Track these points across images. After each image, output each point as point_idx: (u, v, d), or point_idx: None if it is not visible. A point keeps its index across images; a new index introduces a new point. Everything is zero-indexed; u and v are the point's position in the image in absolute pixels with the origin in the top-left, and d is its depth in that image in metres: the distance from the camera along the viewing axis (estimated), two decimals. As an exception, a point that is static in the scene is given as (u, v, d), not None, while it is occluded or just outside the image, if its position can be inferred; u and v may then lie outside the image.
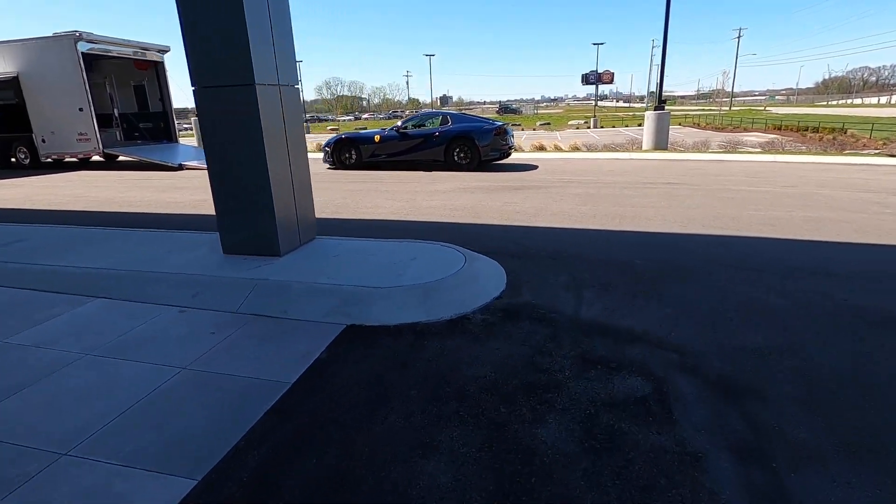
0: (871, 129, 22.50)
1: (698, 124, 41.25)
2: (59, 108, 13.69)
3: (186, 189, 9.71)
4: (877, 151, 15.19)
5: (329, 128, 52.94)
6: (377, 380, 2.60)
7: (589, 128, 39.60)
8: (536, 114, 76.20)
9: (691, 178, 9.40)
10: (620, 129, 36.84)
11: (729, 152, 14.46)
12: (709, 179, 9.26)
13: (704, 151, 14.73)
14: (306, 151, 4.53)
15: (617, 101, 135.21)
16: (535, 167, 11.80)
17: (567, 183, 9.11)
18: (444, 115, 11.73)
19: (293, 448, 2.10)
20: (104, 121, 15.29)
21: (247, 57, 3.71)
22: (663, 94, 16.07)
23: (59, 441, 2.15)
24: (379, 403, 2.39)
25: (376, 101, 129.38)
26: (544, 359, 2.77)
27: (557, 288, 3.84)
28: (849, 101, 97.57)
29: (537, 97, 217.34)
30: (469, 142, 11.02)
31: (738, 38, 78.34)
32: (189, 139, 20.53)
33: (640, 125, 38.79)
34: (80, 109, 13.46)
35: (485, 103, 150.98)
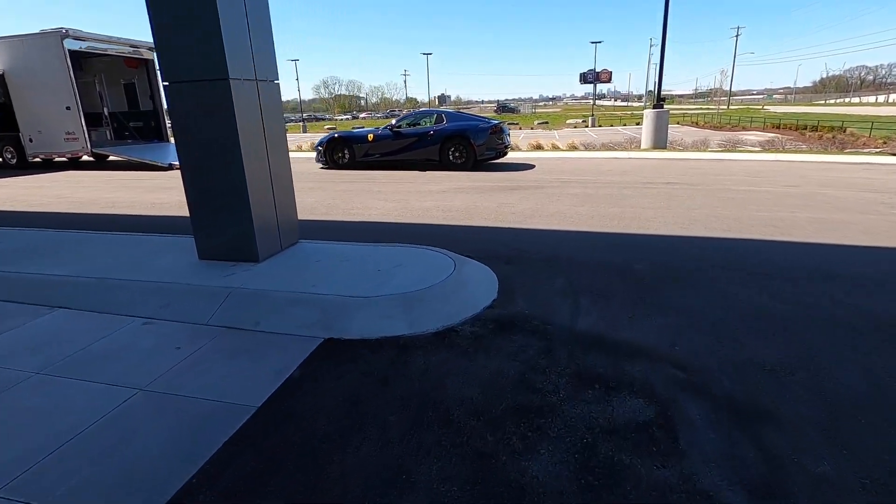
0: (871, 128, 22.35)
1: (696, 123, 41.08)
2: (46, 106, 13.41)
3: (174, 189, 9.45)
4: (878, 150, 15.01)
5: (326, 127, 52.66)
6: (353, 402, 2.36)
7: (587, 127, 39.40)
8: (535, 113, 75.99)
9: (691, 178, 9.18)
10: (619, 127, 36.65)
11: (728, 151, 14.25)
12: (709, 179, 9.04)
13: (704, 150, 14.52)
14: (287, 151, 4.29)
15: (615, 101, 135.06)
16: (532, 167, 11.57)
17: (564, 183, 8.88)
18: (439, 114, 11.47)
19: (252, 484, 1.86)
20: (94, 120, 15.01)
21: (220, 50, 3.46)
22: (661, 92, 15.84)
23: (-11, 477, 1.90)
24: (353, 430, 2.15)
25: (374, 100, 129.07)
26: (537, 377, 2.54)
27: (553, 295, 3.60)
28: (846, 99, 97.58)
29: (535, 96, 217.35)
30: (464, 141, 10.78)
31: (737, 37, 78.25)
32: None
33: (638, 124, 38.60)
34: (68, 108, 13.17)
35: (483, 102, 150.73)
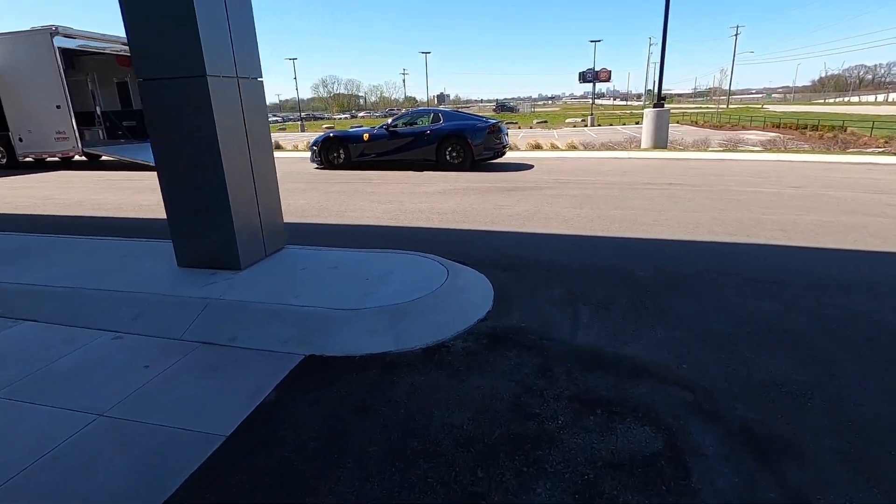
0: (872, 127, 22.16)
1: (696, 122, 40.90)
2: (36, 105, 13.16)
3: (163, 190, 9.21)
4: (880, 150, 14.82)
5: (324, 126, 52.41)
6: (331, 430, 2.15)
7: (586, 126, 39.19)
8: (534, 112, 75.75)
9: (693, 179, 8.98)
10: (618, 127, 36.43)
11: (730, 151, 14.05)
12: (711, 180, 8.84)
13: (705, 150, 14.32)
14: (272, 151, 4.07)
15: (614, 100, 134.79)
16: (531, 167, 11.36)
17: (563, 184, 8.68)
18: (436, 113, 11.26)
19: (212, 532, 1.65)
20: (86, 119, 14.77)
21: (196, 45, 3.25)
22: (661, 91, 15.62)
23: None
24: (330, 464, 1.95)
25: (373, 99, 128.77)
26: (534, 400, 2.33)
27: (551, 306, 3.39)
28: (845, 99, 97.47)
29: (534, 95, 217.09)
30: (461, 140, 10.56)
31: (736, 35, 78.03)
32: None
33: (637, 123, 38.39)
34: (58, 107, 12.92)
35: (482, 101, 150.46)
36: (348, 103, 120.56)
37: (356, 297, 3.19)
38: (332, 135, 11.81)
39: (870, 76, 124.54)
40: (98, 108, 15.46)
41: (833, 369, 2.56)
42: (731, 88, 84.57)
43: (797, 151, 13.52)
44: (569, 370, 2.59)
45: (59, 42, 12.56)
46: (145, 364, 2.69)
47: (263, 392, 2.42)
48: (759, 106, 75.27)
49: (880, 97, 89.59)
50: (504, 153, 11.38)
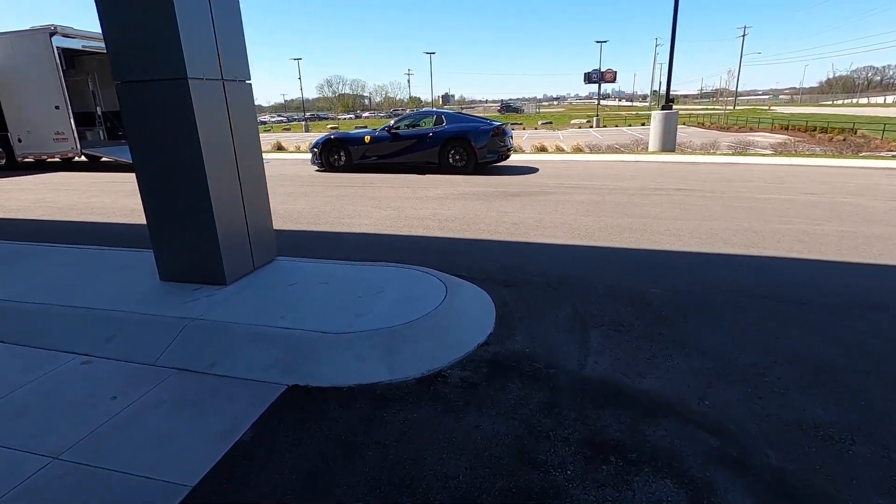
0: (883, 130, 21.74)
1: (703, 124, 40.47)
2: (34, 106, 13.01)
3: (160, 194, 9.01)
4: (894, 154, 14.45)
5: (329, 126, 52.34)
6: (312, 480, 1.90)
7: (591, 127, 38.87)
8: (539, 112, 75.42)
9: (703, 184, 8.69)
10: (623, 128, 36.09)
11: (740, 154, 13.74)
12: (722, 185, 8.55)
13: (713, 153, 14.01)
14: (261, 158, 3.84)
15: (619, 100, 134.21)
16: (536, 170, 11.10)
17: (569, 188, 8.41)
18: (439, 115, 11.00)
19: None
20: (86, 119, 14.63)
21: (176, 45, 3.02)
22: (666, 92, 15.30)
23: None
24: (306, 524, 1.70)
25: (378, 99, 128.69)
26: (540, 444, 2.08)
27: (558, 328, 3.14)
28: (853, 100, 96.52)
29: (539, 96, 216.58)
30: (465, 143, 10.31)
31: (743, 36, 77.47)
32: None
33: (643, 124, 38.04)
34: (57, 107, 12.77)
35: (487, 102, 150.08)
36: (353, 103, 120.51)
37: (347, 317, 2.95)
38: (332, 137, 11.57)
39: (878, 77, 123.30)
40: (99, 109, 15.32)
41: (874, 409, 2.29)
42: (738, 89, 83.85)
43: (809, 155, 13.18)
44: (578, 406, 2.33)
45: (59, 42, 12.41)
46: (113, 395, 2.45)
47: (239, 431, 2.18)
48: (766, 107, 74.61)
49: (889, 98, 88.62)
50: (508, 156, 11.11)
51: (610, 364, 2.70)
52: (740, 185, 8.48)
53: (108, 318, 3.07)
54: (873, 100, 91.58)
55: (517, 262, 4.50)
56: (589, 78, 49.35)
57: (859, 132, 23.92)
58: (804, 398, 2.37)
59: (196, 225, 3.37)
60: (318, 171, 11.59)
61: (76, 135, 12.99)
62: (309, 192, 8.62)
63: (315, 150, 11.59)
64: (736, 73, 79.19)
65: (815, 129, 27.02)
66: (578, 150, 15.94)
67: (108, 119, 15.51)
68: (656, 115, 14.34)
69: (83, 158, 14.26)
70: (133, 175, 3.44)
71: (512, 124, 12.22)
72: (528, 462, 1.98)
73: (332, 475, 1.92)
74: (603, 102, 59.49)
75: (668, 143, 14.20)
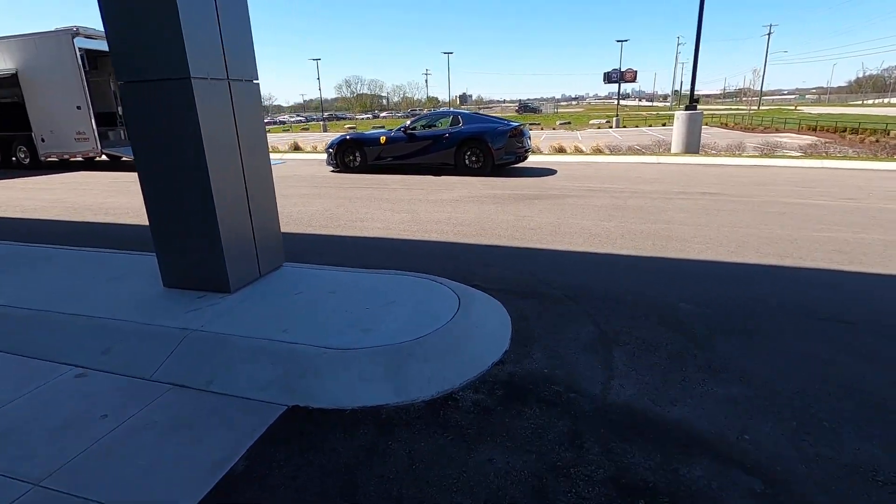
0: (919, 131, 20.85)
1: (726, 124, 39.51)
2: (57, 106, 13.20)
3: (175, 194, 9.00)
4: (933, 156, 13.75)
5: (346, 126, 52.60)
6: (305, 520, 1.73)
7: (611, 127, 38.25)
8: (557, 113, 74.66)
9: (730, 187, 8.33)
10: (644, 128, 35.40)
11: (767, 156, 13.23)
12: (750, 189, 8.18)
13: (739, 155, 13.53)
14: (269, 160, 3.69)
15: (639, 100, 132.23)
16: (554, 172, 10.83)
17: (589, 191, 8.14)
18: (455, 115, 10.81)
19: None
20: (107, 119, 14.80)
21: (178, 44, 2.88)
22: (687, 92, 14.84)
23: None
24: (297, 575, 1.52)
25: (396, 99, 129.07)
26: (560, 483, 1.87)
27: (579, 346, 2.92)
28: (885, 100, 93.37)
29: (558, 96, 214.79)
30: (481, 144, 10.10)
31: (769, 34, 75.56)
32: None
33: (664, 125, 37.26)
34: (78, 108, 12.93)
35: (504, 102, 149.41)
36: (371, 103, 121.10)
37: (353, 332, 2.77)
38: (348, 137, 11.47)
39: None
40: (119, 109, 15.50)
41: (941, 450, 2.02)
42: (763, 89, 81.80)
43: (841, 158, 12.63)
44: (603, 438, 2.11)
45: (80, 43, 12.56)
46: (104, 413, 2.31)
47: (231, 459, 2.02)
48: (793, 107, 72.62)
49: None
50: (526, 158, 10.86)
51: (637, 389, 2.47)
52: (770, 189, 8.10)
53: (106, 328, 2.94)
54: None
55: (535, 270, 4.28)
56: (609, 78, 48.63)
57: (892, 133, 23.01)
58: (859, 437, 2.11)
59: (199, 229, 3.23)
60: (333, 171, 11.50)
61: (97, 135, 13.13)
62: (323, 194, 8.51)
63: (330, 150, 11.50)
64: (761, 73, 77.28)
65: (845, 130, 26.10)
66: (598, 151, 15.59)
67: (129, 119, 15.66)
68: (680, 116, 13.92)
69: (104, 158, 14.45)
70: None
71: (530, 124, 11.97)
72: (548, 505, 1.77)
73: (330, 515, 1.74)
74: (623, 102, 58.66)
75: (692, 145, 13.77)
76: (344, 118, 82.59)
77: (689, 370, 2.64)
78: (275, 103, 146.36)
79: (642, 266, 4.42)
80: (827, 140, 21.05)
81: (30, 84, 13.34)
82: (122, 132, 15.55)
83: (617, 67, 47.21)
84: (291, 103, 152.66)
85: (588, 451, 2.03)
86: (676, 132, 14.03)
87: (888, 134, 23.15)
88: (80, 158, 13.89)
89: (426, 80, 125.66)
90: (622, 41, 47.22)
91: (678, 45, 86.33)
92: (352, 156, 11.21)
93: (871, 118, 32.00)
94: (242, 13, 3.34)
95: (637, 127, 37.99)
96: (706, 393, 2.43)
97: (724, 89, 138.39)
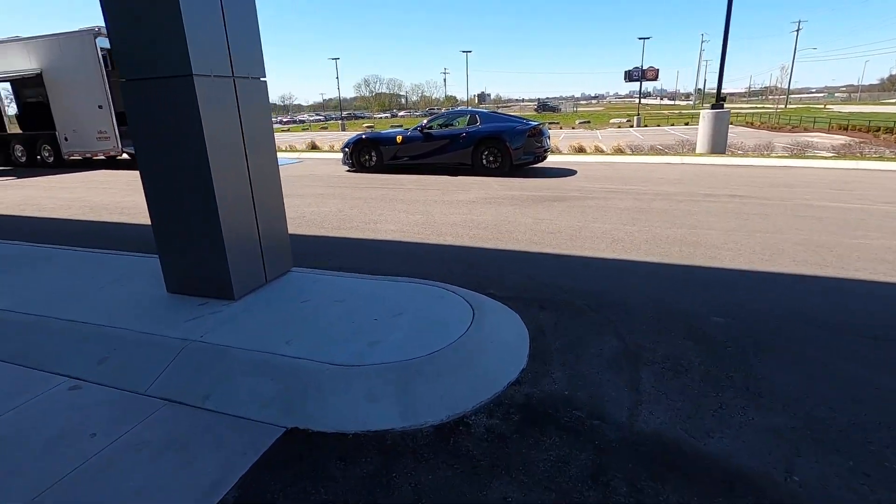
0: (960, 131, 19.87)
1: (751, 123, 38.41)
2: (79, 105, 13.38)
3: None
4: (977, 157, 13.03)
5: (365, 125, 52.82)
6: (297, 565, 1.55)
7: (632, 126, 37.52)
8: (576, 112, 73.75)
9: (760, 189, 7.95)
10: (666, 128, 34.65)
11: (797, 157, 12.70)
12: (782, 191, 7.79)
13: (768, 156, 13.02)
14: (276, 161, 3.54)
15: (661, 99, 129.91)
16: (574, 172, 10.53)
17: (611, 193, 7.85)
18: (473, 114, 10.59)
19: None
20: (129, 119, 14.95)
21: (180, 41, 2.74)
22: (710, 90, 14.33)
23: None
24: None
25: (414, 98, 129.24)
26: (582, 529, 1.66)
27: (602, 365, 2.69)
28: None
29: (577, 94, 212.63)
30: (499, 144, 9.87)
31: (797, 31, 73.40)
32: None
33: (686, 124, 36.41)
34: (100, 107, 13.08)
35: (523, 101, 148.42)
36: (390, 102, 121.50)
37: (359, 345, 2.59)
38: (363, 136, 11.34)
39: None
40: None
41: None
42: (790, 87, 79.52)
43: (878, 158, 12.03)
44: (630, 475, 1.89)
45: (102, 42, 12.68)
46: (93, 431, 2.18)
47: (224, 486, 1.86)
48: (822, 106, 70.42)
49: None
50: (545, 158, 10.59)
51: (668, 416, 2.24)
52: (803, 192, 7.70)
53: (104, 336, 2.82)
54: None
55: (554, 278, 4.05)
56: (630, 76, 47.81)
57: (930, 133, 21.99)
58: (928, 480, 1.85)
59: (202, 232, 3.10)
60: (348, 171, 11.40)
61: (118, 133, 13.27)
62: (337, 194, 8.39)
63: (346, 150, 11.39)
64: (789, 69, 75.09)
65: (878, 130, 25.06)
66: (619, 151, 15.20)
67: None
68: (706, 115, 13.45)
69: (125, 156, 14.60)
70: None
71: (549, 123, 11.68)
72: (569, 557, 1.56)
73: (324, 560, 1.56)
74: (643, 101, 57.59)
75: (718, 145, 13.30)
76: (362, 117, 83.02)
77: (724, 394, 2.40)
78: (295, 102, 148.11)
79: (668, 274, 4.16)
80: (860, 140, 20.20)
81: (53, 84, 13.55)
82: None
83: (638, 65, 46.38)
84: (311, 102, 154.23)
85: (615, 491, 1.82)
86: (702, 131, 13.58)
87: (925, 133, 22.14)
88: (102, 157, 14.07)
89: (444, 79, 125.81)
90: (644, 38, 46.35)
91: (702, 42, 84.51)
92: (367, 155, 11.09)
93: (906, 117, 30.70)
94: (249, 9, 3.20)
95: (659, 126, 37.22)
96: (746, 422, 2.19)
97: (749, 88, 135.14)
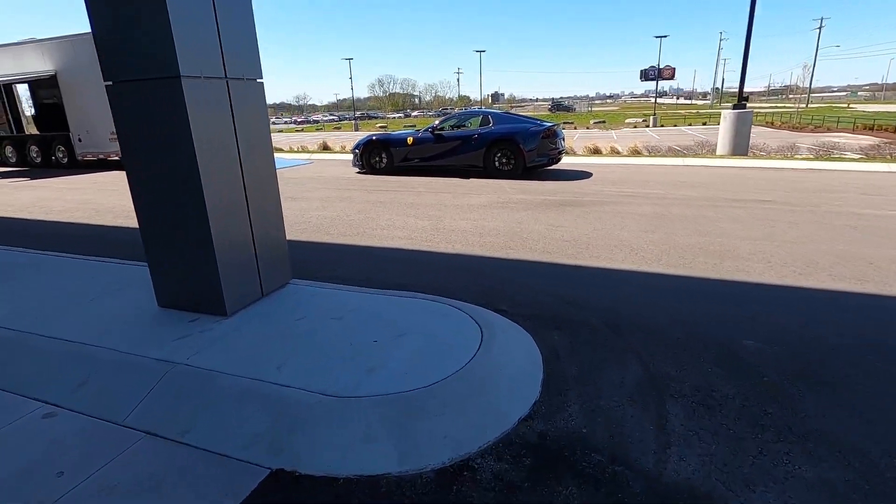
0: None
1: (772, 123, 37.48)
2: (92, 106, 13.40)
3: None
4: None
5: (378, 125, 52.88)
6: None
7: (647, 127, 36.89)
8: (591, 111, 72.96)
9: (787, 194, 7.57)
10: (683, 128, 33.98)
11: (823, 159, 12.20)
12: (811, 196, 7.40)
13: (792, 158, 12.54)
14: (273, 165, 3.34)
15: (677, 98, 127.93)
16: (589, 175, 10.21)
17: (628, 197, 7.53)
18: (485, 115, 10.33)
19: None
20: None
21: (166, 41, 2.54)
22: (728, 90, 13.87)
23: None
24: None
25: (428, 98, 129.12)
26: None
27: (624, 397, 2.43)
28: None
29: (592, 94, 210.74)
30: (512, 145, 9.59)
31: (819, 28, 71.63)
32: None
33: (704, 124, 35.65)
34: (112, 108, 13.08)
35: (537, 100, 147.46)
36: (403, 102, 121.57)
37: (356, 373, 2.37)
38: (374, 138, 11.14)
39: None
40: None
41: None
42: (811, 85, 77.63)
43: (910, 160, 11.49)
44: (660, 538, 1.63)
45: (115, 44, 12.69)
46: (61, 469, 1.98)
47: (194, 543, 1.64)
48: (845, 105, 68.65)
49: None
50: (559, 160, 10.29)
51: (701, 463, 1.97)
52: (833, 197, 7.30)
53: (85, 357, 2.64)
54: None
55: (569, 292, 3.79)
56: (646, 75, 47.12)
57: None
58: None
59: (191, 241, 2.90)
60: (358, 172, 11.22)
61: (129, 135, 13.26)
62: (345, 197, 8.20)
63: (356, 151, 11.21)
64: (811, 68, 73.33)
65: (907, 130, 24.20)
66: (636, 152, 14.80)
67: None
68: (727, 115, 13.01)
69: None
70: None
71: (563, 123, 11.36)
72: None
73: None
74: (659, 101, 56.66)
75: (740, 147, 12.85)
76: (376, 117, 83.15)
77: (765, 436, 2.12)
78: (309, 102, 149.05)
79: (693, 289, 3.86)
80: (888, 140, 19.49)
81: (67, 85, 13.61)
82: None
83: (655, 64, 45.66)
84: (325, 102, 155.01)
85: (642, 559, 1.56)
86: (723, 132, 13.13)
87: (957, 134, 21.28)
88: (115, 158, 14.10)
89: (458, 79, 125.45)
90: (661, 37, 45.57)
91: (720, 40, 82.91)
92: (378, 157, 10.89)
93: (935, 117, 29.65)
94: (245, 8, 3.00)
95: (676, 126, 36.53)
96: (792, 473, 1.91)
97: (769, 87, 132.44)
